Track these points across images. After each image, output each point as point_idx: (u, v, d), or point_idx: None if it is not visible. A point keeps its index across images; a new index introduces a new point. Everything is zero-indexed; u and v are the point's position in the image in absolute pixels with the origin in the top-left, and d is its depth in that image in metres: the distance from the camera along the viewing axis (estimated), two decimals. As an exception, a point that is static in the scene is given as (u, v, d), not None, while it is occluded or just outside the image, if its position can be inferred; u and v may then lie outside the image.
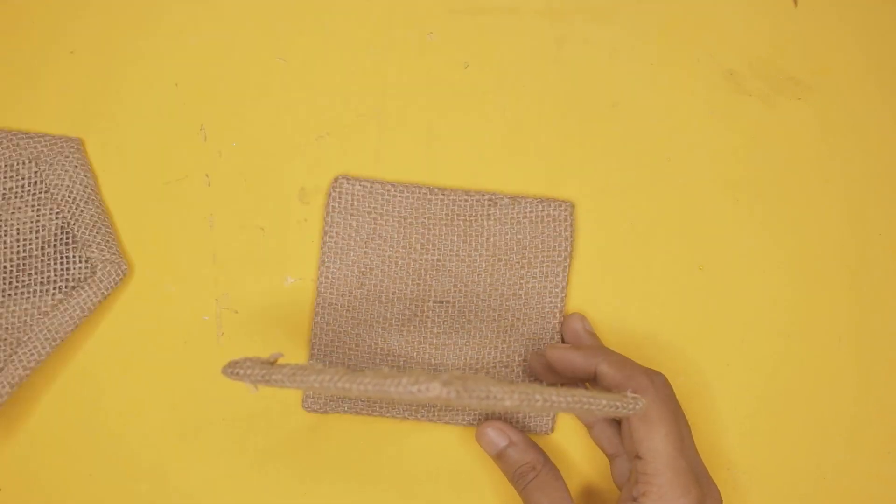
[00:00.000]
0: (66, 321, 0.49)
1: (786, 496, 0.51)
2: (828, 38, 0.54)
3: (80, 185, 0.50)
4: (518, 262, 0.51)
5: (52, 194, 0.49)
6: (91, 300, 0.49)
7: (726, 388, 0.52)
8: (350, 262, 0.51)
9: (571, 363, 0.46)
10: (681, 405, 0.45)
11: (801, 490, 0.51)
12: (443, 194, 0.52)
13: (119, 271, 0.50)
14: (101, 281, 0.49)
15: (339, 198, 0.51)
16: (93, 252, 0.49)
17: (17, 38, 0.52)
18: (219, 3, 0.53)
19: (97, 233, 0.50)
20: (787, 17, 0.54)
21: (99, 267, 0.49)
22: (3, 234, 0.49)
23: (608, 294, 0.52)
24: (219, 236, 0.52)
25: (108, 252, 0.50)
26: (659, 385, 0.44)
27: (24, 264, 0.49)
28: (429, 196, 0.51)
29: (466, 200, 0.52)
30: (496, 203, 0.51)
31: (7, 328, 0.49)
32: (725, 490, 0.51)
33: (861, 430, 0.51)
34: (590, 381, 0.47)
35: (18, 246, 0.49)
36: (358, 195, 0.51)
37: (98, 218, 0.50)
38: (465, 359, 0.51)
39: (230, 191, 0.52)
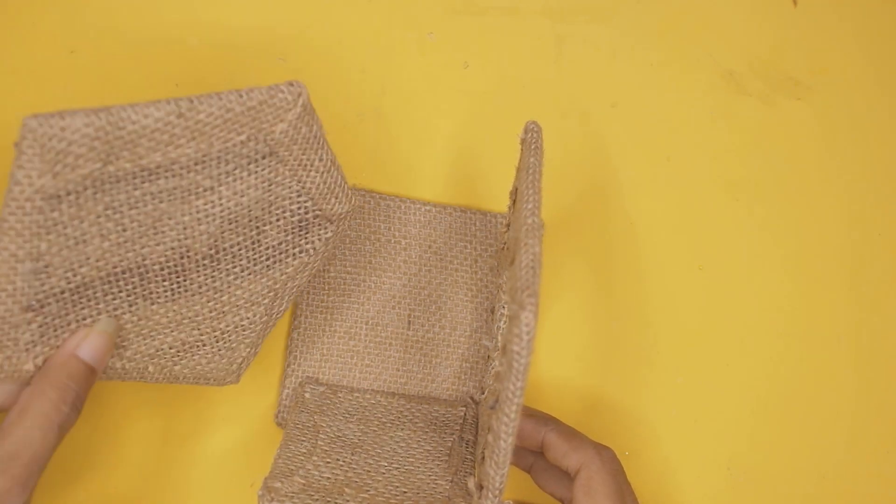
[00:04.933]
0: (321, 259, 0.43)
1: (786, 496, 0.51)
2: (828, 39, 0.54)
3: (314, 137, 0.40)
4: (495, 292, 0.50)
5: (281, 160, 0.39)
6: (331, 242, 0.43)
7: (726, 388, 0.52)
8: (330, 276, 0.51)
9: (520, 429, 0.43)
10: (630, 484, 0.43)
11: (801, 490, 0.51)
12: (426, 209, 0.51)
13: (351, 210, 0.43)
14: (337, 231, 0.43)
15: None
16: (330, 205, 0.42)
17: (17, 38, 0.52)
18: (219, 3, 0.53)
19: (331, 182, 0.41)
20: (787, 17, 0.54)
21: (337, 219, 0.42)
22: (235, 219, 0.40)
23: (607, 295, 0.52)
24: (219, 236, 0.52)
25: (343, 203, 0.42)
26: (606, 459, 0.42)
27: (258, 240, 0.41)
28: (412, 209, 0.51)
29: (452, 215, 0.51)
30: (486, 219, 0.51)
31: (248, 303, 0.42)
32: (725, 490, 0.51)
33: (861, 430, 0.51)
34: (535, 449, 0.44)
35: (250, 227, 0.41)
36: None
37: (331, 161, 0.41)
38: (425, 392, 0.50)
39: (230, 191, 0.52)
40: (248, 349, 0.43)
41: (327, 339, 0.50)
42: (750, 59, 0.54)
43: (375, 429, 0.46)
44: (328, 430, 0.45)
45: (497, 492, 0.36)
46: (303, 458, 0.42)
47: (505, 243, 0.47)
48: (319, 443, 0.44)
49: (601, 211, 0.52)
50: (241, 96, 0.36)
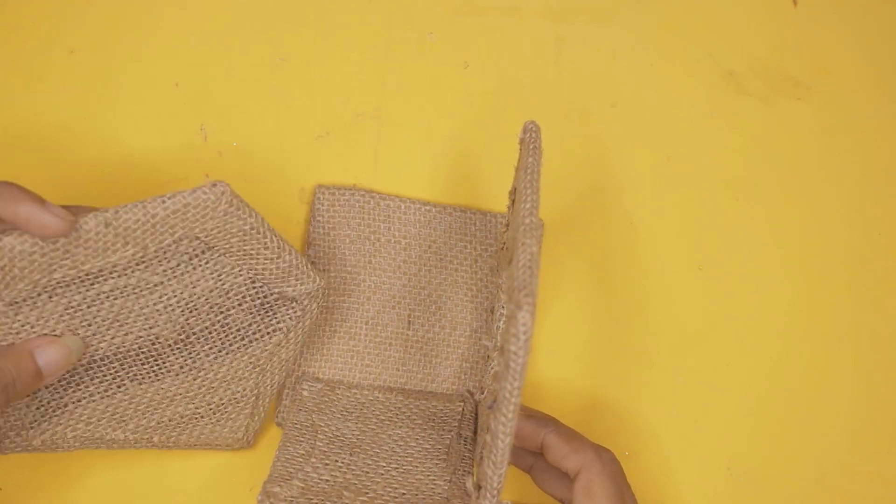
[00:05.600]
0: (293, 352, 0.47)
1: (786, 496, 0.51)
2: (828, 38, 0.54)
3: (250, 229, 0.43)
4: (494, 289, 0.50)
5: (224, 252, 0.43)
6: (304, 330, 0.47)
7: (726, 388, 0.52)
8: (330, 276, 0.51)
9: (520, 430, 0.43)
10: (630, 486, 0.43)
11: (801, 490, 0.51)
12: (426, 209, 0.51)
13: (318, 289, 0.46)
14: (309, 308, 0.46)
15: (322, 208, 0.51)
16: (290, 287, 0.45)
17: (17, 38, 0.52)
18: (219, 3, 0.53)
19: (285, 266, 0.44)
20: (787, 17, 0.54)
21: (303, 298, 0.46)
22: (194, 307, 0.44)
23: (607, 295, 0.52)
24: (219, 236, 0.52)
25: (305, 283, 0.45)
26: (606, 461, 0.42)
27: (226, 324, 0.45)
28: (412, 209, 0.51)
29: (452, 215, 0.51)
30: (486, 219, 0.51)
31: (234, 378, 0.46)
32: (725, 490, 0.51)
33: (861, 430, 0.51)
34: (535, 450, 0.44)
35: (213, 312, 0.44)
36: (339, 205, 0.51)
37: (278, 247, 0.44)
38: (424, 388, 0.50)
39: (230, 191, 0.52)
40: (248, 419, 0.47)
41: (327, 340, 0.50)
42: (750, 59, 0.54)
43: (373, 427, 0.46)
44: (326, 429, 0.45)
45: (495, 492, 0.36)
46: (301, 460, 0.42)
47: (504, 243, 0.47)
48: (318, 443, 0.44)
49: (601, 211, 0.52)
50: (163, 202, 0.40)
